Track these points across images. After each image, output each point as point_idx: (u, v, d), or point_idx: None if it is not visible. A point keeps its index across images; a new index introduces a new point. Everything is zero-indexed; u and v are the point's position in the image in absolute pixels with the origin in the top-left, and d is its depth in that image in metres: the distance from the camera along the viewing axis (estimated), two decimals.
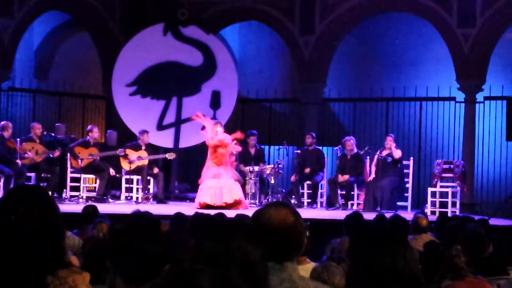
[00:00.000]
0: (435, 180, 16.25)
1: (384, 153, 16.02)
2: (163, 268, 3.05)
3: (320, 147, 17.36)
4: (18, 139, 15.48)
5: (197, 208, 14.45)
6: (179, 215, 9.32)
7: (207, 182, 15.29)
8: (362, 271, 2.64)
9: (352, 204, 16.32)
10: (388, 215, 10.15)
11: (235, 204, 15.06)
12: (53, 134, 16.69)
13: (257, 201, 16.08)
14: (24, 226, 2.95)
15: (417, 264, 2.67)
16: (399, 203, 15.97)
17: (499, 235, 8.78)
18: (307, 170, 16.72)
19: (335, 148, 17.08)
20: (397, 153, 15.93)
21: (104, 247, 5.70)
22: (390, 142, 16.08)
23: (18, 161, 15.31)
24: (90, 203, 14.23)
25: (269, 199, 16.02)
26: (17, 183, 15.08)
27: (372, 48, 19.61)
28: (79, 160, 16.10)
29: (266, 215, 3.20)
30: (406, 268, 2.61)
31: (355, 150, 16.46)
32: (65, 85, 19.75)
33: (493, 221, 12.66)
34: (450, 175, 16.24)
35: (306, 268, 5.70)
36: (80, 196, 16.09)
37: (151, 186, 16.62)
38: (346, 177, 16.23)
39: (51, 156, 15.86)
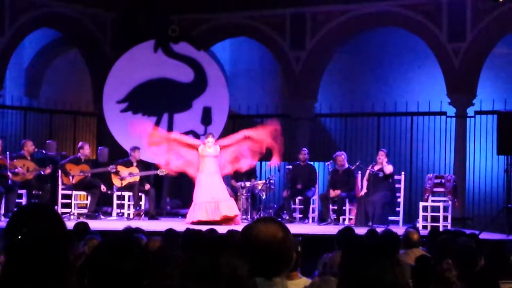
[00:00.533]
0: (427, 194, 16.27)
1: (376, 168, 16.04)
2: (141, 285, 3.03)
3: (312, 162, 17.38)
4: (7, 153, 15.43)
5: (189, 224, 14.44)
6: (170, 231, 9.32)
7: (202, 196, 15.19)
8: (352, 285, 2.64)
9: (344, 219, 16.31)
10: (379, 229, 10.16)
11: (230, 220, 14.98)
12: (44, 151, 16.66)
13: (248, 216, 16.04)
14: (30, 245, 2.95)
15: (407, 279, 2.67)
16: (390, 218, 15.96)
17: (491, 249, 8.78)
18: (299, 186, 16.73)
19: (327, 163, 17.10)
20: (388, 169, 15.95)
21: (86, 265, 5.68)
22: (382, 157, 16.11)
23: (9, 173, 15.25)
24: (81, 219, 14.24)
25: (261, 215, 16.00)
26: (8, 200, 15.06)
27: (363, 63, 19.66)
28: (70, 177, 16.09)
29: (255, 231, 3.19)
30: (394, 282, 2.61)
31: (346, 165, 16.48)
32: (56, 102, 19.75)
33: (484, 235, 12.68)
34: (442, 189, 16.26)
35: (298, 283, 5.67)
36: (71, 213, 16.06)
37: (142, 203, 16.60)
38: (338, 192, 16.24)
39: (42, 173, 15.83)
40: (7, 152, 15.46)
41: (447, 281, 6.35)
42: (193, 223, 14.80)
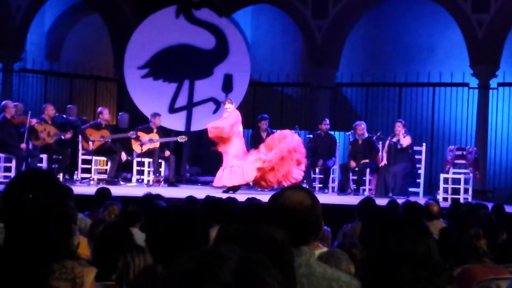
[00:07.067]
0: (448, 166, 16.18)
1: (395, 139, 15.95)
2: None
3: (332, 132, 17.31)
4: (29, 115, 15.40)
5: (220, 187, 14.79)
6: (190, 198, 9.30)
7: (230, 161, 15.13)
8: (382, 259, 2.57)
9: (364, 190, 16.26)
10: (400, 201, 10.11)
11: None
12: (65, 116, 16.67)
13: None
14: (32, 212, 2.89)
15: (436, 250, 2.61)
16: (411, 189, 15.90)
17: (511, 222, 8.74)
18: (320, 163, 16.62)
19: (347, 133, 17.03)
20: (405, 141, 15.83)
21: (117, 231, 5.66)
22: (399, 128, 15.99)
23: (25, 129, 15.16)
24: (101, 185, 14.22)
25: None
26: (30, 165, 15.04)
27: (385, 33, 19.50)
28: (91, 142, 16.08)
29: (283, 198, 3.13)
30: (427, 254, 2.55)
31: (366, 134, 16.37)
32: (77, 67, 19.73)
33: (505, 208, 12.60)
34: (463, 161, 16.16)
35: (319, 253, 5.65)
36: (91, 178, 16.08)
37: (162, 169, 16.60)
38: (363, 162, 16.07)
39: (63, 137, 15.83)
40: (29, 114, 15.46)
41: (477, 249, 6.29)
42: (224, 187, 14.85)
